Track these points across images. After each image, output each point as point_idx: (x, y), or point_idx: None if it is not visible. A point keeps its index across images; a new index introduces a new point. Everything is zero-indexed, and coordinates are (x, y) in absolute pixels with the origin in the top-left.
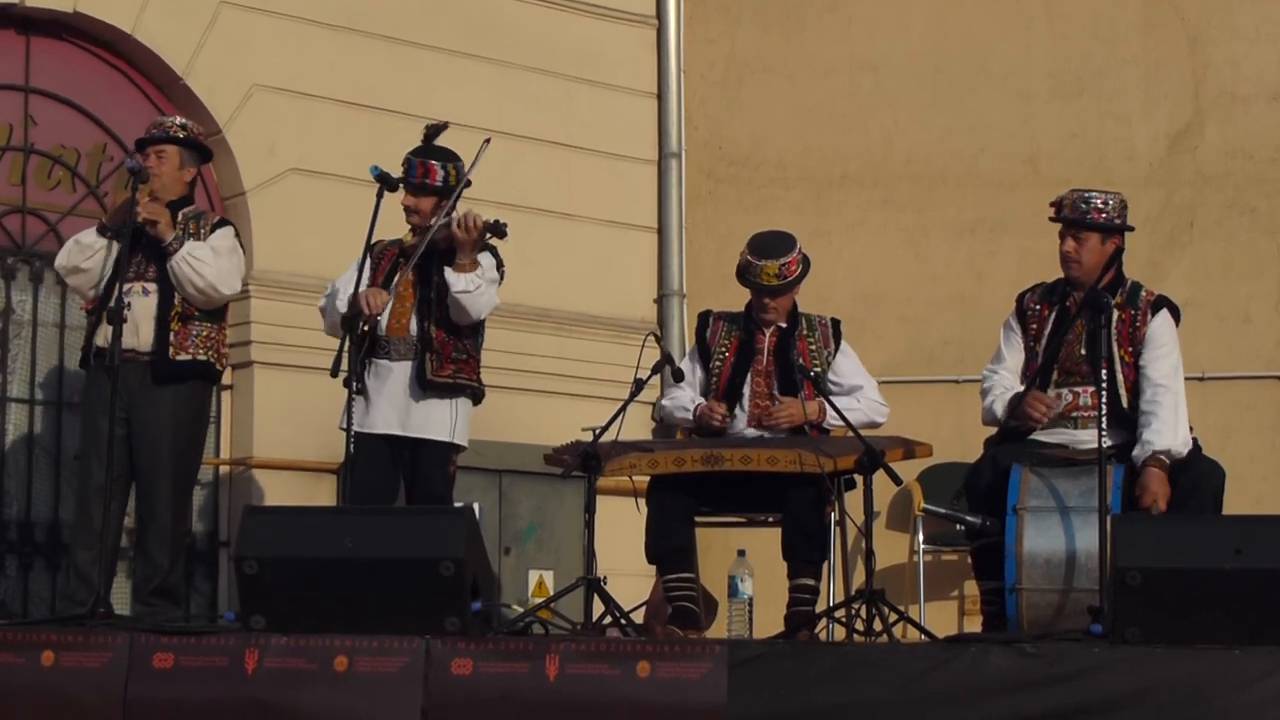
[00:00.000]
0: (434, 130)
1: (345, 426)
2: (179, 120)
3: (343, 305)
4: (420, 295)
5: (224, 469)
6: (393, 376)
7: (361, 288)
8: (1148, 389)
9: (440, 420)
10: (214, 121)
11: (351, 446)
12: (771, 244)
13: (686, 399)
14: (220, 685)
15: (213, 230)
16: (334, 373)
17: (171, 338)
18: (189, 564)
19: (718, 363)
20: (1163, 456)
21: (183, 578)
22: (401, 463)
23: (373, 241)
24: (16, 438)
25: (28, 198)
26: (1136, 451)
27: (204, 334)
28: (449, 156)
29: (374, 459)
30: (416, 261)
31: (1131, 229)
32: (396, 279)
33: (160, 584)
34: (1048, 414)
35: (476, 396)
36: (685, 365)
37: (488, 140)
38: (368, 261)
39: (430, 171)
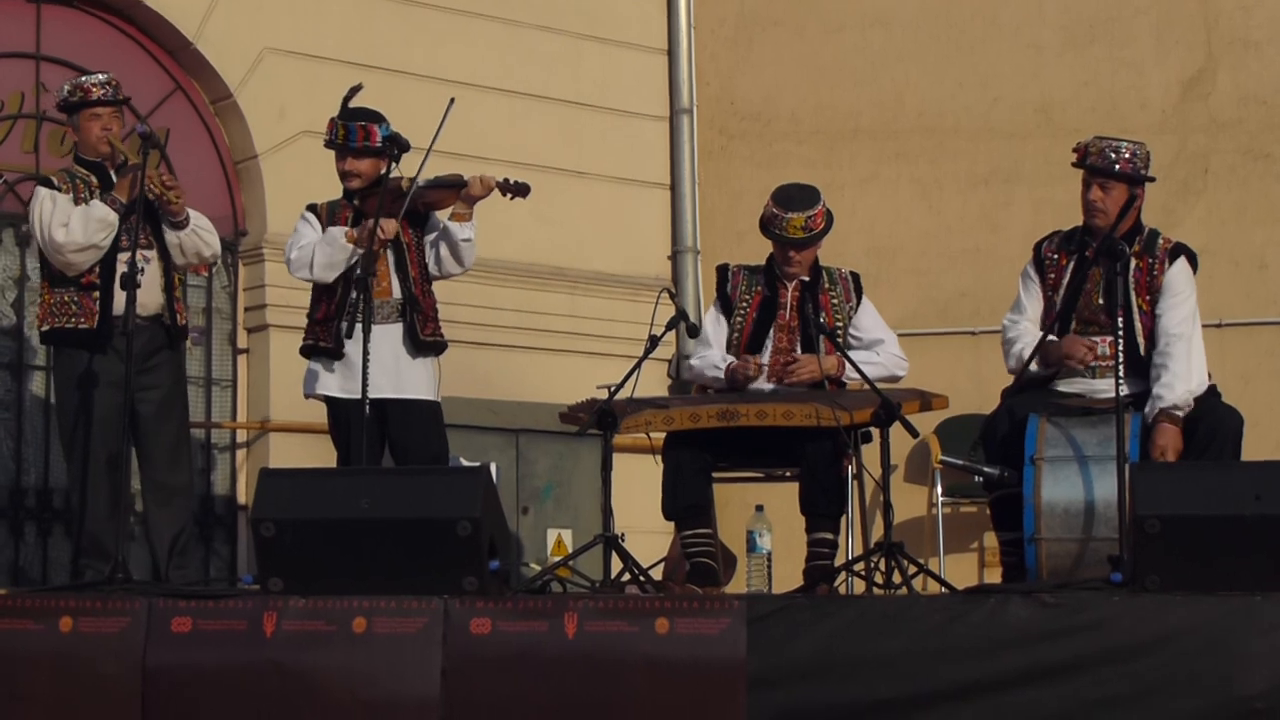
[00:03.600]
0: (351, 93)
1: (323, 394)
2: (112, 77)
3: (334, 247)
4: (397, 257)
5: (240, 432)
6: (376, 340)
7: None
8: (1161, 339)
9: (428, 379)
10: (225, 86)
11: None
12: (798, 196)
13: (717, 357)
14: (239, 649)
15: None
16: (310, 337)
17: (175, 303)
18: (208, 528)
19: (739, 317)
20: (1173, 412)
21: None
22: (387, 424)
23: (311, 204)
24: (33, 405)
25: (40, 165)
26: (1147, 408)
27: (185, 298)
28: (380, 118)
29: (367, 424)
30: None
31: (1153, 179)
32: (370, 233)
33: (185, 542)
34: (1089, 355)
35: (443, 351)
36: (708, 319)
37: (452, 100)
38: (317, 223)
39: (371, 134)
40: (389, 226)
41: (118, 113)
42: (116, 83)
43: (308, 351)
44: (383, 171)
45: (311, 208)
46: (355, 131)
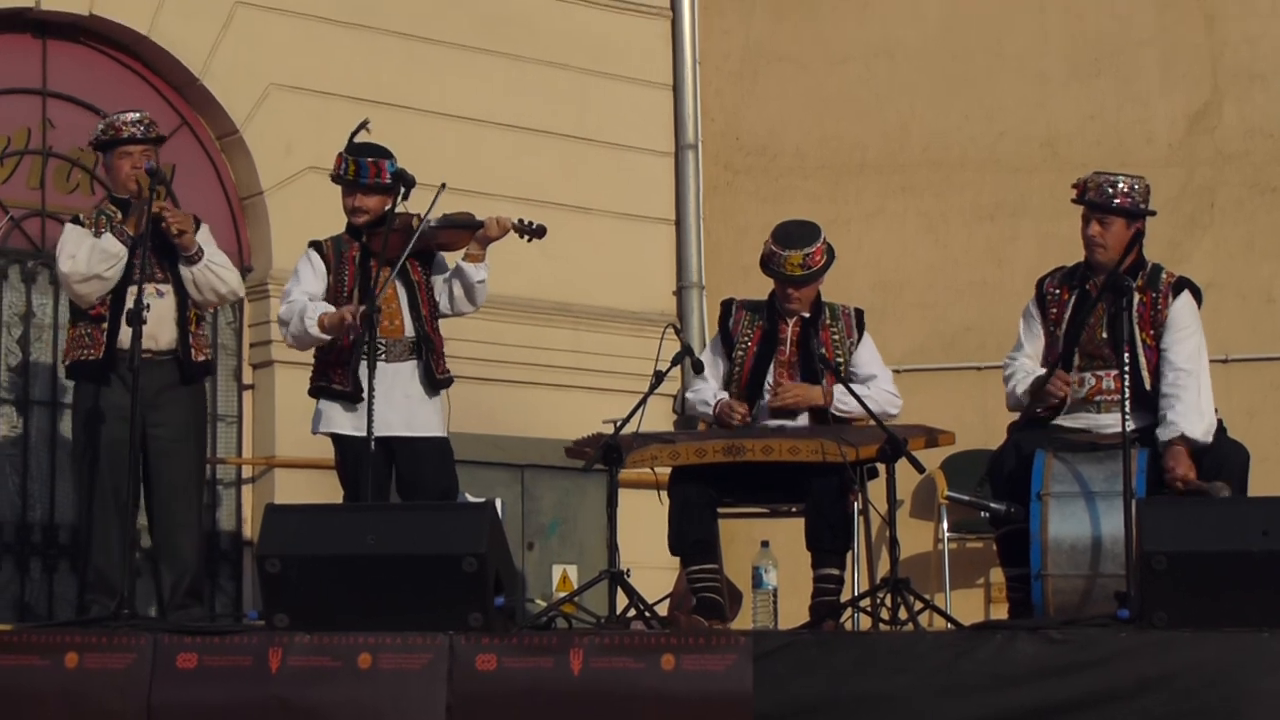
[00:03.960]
0: (359, 129)
1: (330, 432)
2: (147, 116)
3: (311, 324)
4: (409, 295)
5: (246, 469)
6: (388, 379)
7: (321, 288)
8: (1169, 373)
9: (438, 417)
10: (231, 121)
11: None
12: (796, 234)
13: (709, 393)
14: (244, 685)
15: (196, 228)
16: (318, 378)
17: (190, 339)
18: (213, 564)
19: (740, 353)
20: (1189, 437)
21: (206, 576)
22: (397, 462)
23: (316, 242)
24: (39, 440)
25: (47, 201)
26: (1160, 431)
27: (206, 334)
28: (388, 154)
29: (375, 462)
30: (397, 261)
31: (1154, 213)
32: (379, 279)
33: (191, 583)
34: (1064, 389)
35: (450, 385)
36: (707, 356)
37: (443, 186)
38: (321, 263)
39: (381, 170)
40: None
41: (149, 151)
42: (150, 121)
43: (318, 393)
44: (387, 208)
45: (316, 245)
46: (366, 168)
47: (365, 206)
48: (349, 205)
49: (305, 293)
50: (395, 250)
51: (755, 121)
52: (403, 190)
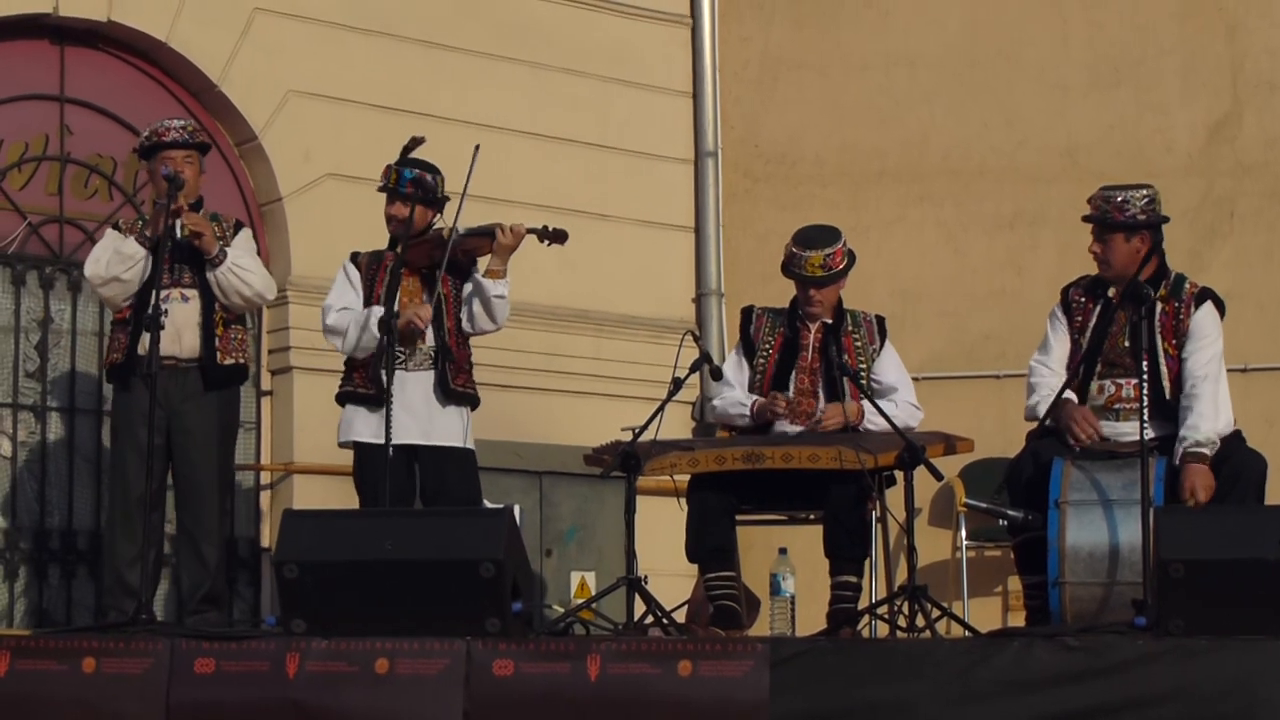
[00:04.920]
0: (412, 144)
1: (352, 440)
2: (190, 123)
3: (374, 326)
4: (435, 306)
5: (264, 474)
6: (409, 386)
7: (358, 301)
8: (1187, 381)
9: (458, 428)
10: (250, 128)
11: (371, 457)
12: (817, 236)
13: (741, 396)
14: (261, 689)
15: (234, 233)
16: (346, 384)
17: (216, 343)
18: (232, 570)
19: (762, 359)
20: (1200, 451)
21: (225, 582)
22: (418, 472)
23: (354, 254)
24: (57, 447)
25: (65, 207)
26: (1176, 449)
27: (239, 337)
28: (432, 168)
29: (394, 469)
30: (418, 272)
31: (1165, 220)
32: (403, 290)
33: (210, 590)
34: (1092, 437)
35: (475, 404)
36: (730, 362)
37: (477, 148)
38: (356, 275)
39: (422, 183)
40: (425, 314)
41: (191, 157)
42: (194, 128)
43: (344, 398)
44: (407, 216)
45: (354, 257)
46: (406, 177)
47: (402, 216)
48: (388, 214)
49: (343, 304)
50: (423, 260)
51: (775, 129)
52: (421, 197)
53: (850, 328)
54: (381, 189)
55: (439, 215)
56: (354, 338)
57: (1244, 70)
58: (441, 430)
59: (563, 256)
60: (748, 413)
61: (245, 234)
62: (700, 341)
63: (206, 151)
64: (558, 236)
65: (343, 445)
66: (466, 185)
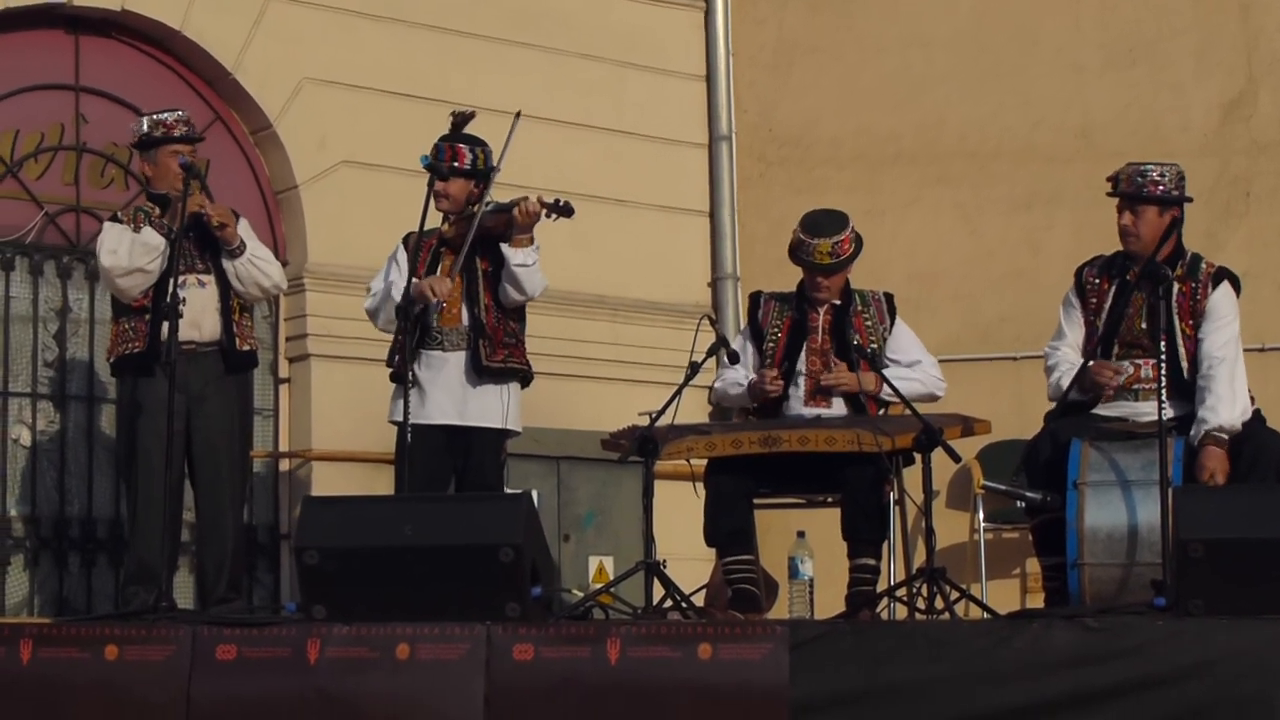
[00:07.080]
0: (462, 119)
1: (397, 420)
2: (188, 114)
3: (399, 298)
4: (467, 283)
5: (283, 462)
6: (447, 366)
7: (402, 280)
8: (1204, 362)
9: (495, 407)
10: (264, 116)
11: (409, 437)
12: (824, 222)
13: (740, 375)
14: (283, 676)
15: (235, 221)
16: (390, 363)
17: (234, 328)
18: (251, 557)
19: (771, 343)
20: (1218, 434)
21: (246, 568)
22: (455, 452)
23: (406, 235)
24: (76, 435)
25: (81, 196)
26: (1193, 430)
27: (250, 324)
28: (476, 141)
29: (430, 450)
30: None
31: (1190, 200)
32: (441, 269)
33: (232, 575)
34: (1115, 379)
35: (526, 380)
36: (738, 347)
37: (519, 114)
38: (403, 255)
39: (459, 155)
40: (440, 287)
41: (193, 150)
42: (192, 120)
43: (394, 378)
44: (428, 192)
45: (406, 238)
46: (444, 153)
47: (446, 192)
48: (433, 191)
49: (380, 285)
50: (461, 238)
51: (789, 113)
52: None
53: (860, 307)
54: (427, 166)
55: (486, 188)
56: (382, 318)
57: (1259, 49)
58: (476, 410)
59: (578, 242)
60: (744, 389)
61: (245, 223)
62: (716, 326)
63: (200, 143)
64: (564, 210)
65: (392, 423)
66: (504, 152)
